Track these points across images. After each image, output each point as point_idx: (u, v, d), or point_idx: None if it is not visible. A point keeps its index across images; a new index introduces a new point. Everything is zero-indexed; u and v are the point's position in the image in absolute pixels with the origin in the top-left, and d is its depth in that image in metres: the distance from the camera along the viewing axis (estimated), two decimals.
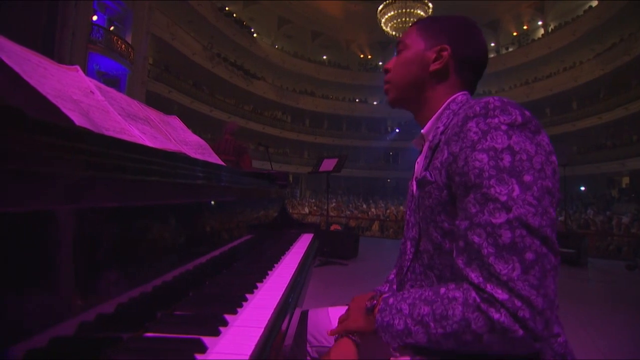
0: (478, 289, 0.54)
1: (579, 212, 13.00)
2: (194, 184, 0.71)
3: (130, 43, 12.35)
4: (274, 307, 0.61)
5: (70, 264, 0.37)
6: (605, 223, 10.11)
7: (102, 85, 0.73)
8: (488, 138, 0.57)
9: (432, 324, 0.57)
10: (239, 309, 0.58)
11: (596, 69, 18.50)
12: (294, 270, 0.90)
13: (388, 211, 13.09)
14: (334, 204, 14.30)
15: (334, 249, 4.69)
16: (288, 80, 25.16)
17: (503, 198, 0.54)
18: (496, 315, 0.51)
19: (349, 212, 13.42)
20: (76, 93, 0.61)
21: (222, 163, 1.09)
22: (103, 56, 11.27)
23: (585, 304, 3.24)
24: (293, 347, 0.87)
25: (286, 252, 1.14)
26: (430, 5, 19.23)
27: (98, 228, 0.42)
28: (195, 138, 1.06)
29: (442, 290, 0.59)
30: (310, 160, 21.41)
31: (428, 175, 0.67)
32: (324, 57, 27.36)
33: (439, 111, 0.74)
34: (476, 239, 0.55)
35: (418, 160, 0.80)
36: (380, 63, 27.94)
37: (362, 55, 28.07)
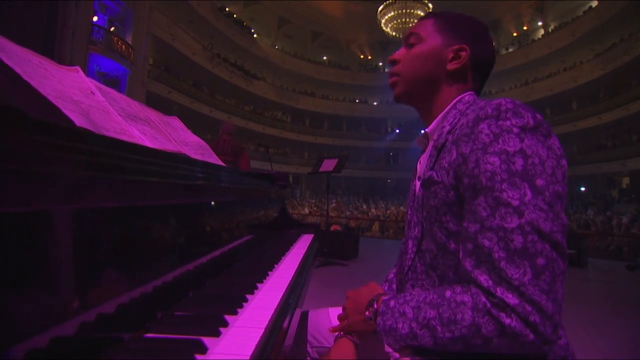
0: (488, 293, 0.53)
1: (579, 213, 13.00)
2: (194, 185, 0.71)
3: (130, 43, 12.36)
4: (274, 307, 0.61)
5: (71, 264, 0.37)
6: (606, 223, 10.11)
7: (103, 86, 0.73)
8: (500, 141, 0.57)
9: (439, 328, 0.57)
10: (239, 310, 0.58)
11: (596, 69, 18.50)
12: (294, 270, 0.90)
13: (388, 212, 13.09)
14: (334, 205, 14.29)
15: (334, 249, 4.68)
16: (288, 80, 25.16)
17: (515, 203, 0.53)
18: (507, 321, 0.51)
19: (349, 213, 13.42)
20: (77, 94, 0.61)
21: (222, 164, 1.09)
22: (103, 57, 11.28)
23: (586, 304, 3.24)
24: (293, 347, 0.87)
25: (286, 253, 1.14)
26: (430, 5, 19.26)
27: (98, 228, 0.42)
28: (195, 139, 1.06)
29: (448, 293, 0.58)
30: (311, 161, 21.40)
31: (434, 175, 0.66)
32: (324, 58, 27.36)
33: (446, 110, 0.73)
34: (487, 243, 0.54)
35: (421, 159, 0.79)
36: (380, 63, 27.96)
37: (362, 56, 28.07)
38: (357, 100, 27.57)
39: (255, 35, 22.60)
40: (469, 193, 0.59)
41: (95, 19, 11.51)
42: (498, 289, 0.52)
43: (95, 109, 0.62)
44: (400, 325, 0.61)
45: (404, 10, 19.67)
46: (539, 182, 0.54)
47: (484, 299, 0.54)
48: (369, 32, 25.27)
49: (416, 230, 0.73)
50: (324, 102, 26.30)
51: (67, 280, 0.36)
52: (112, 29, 12.60)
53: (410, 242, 0.74)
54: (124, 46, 11.99)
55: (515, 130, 0.57)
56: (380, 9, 20.39)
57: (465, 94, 0.74)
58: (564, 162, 0.58)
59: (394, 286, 0.88)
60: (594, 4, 18.84)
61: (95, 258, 0.41)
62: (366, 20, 23.51)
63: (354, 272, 4.19)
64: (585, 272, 5.00)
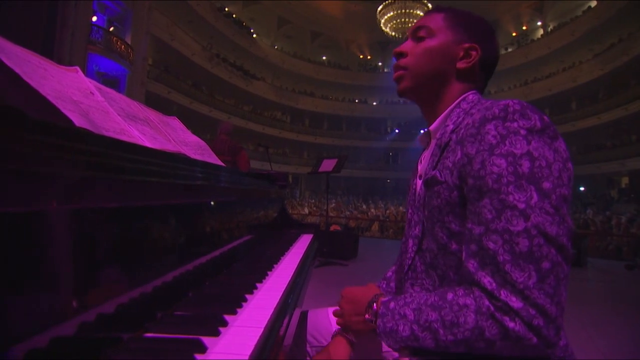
0: (491, 296, 0.53)
1: (578, 212, 13.01)
2: (194, 185, 0.71)
3: (129, 43, 12.34)
4: (274, 307, 0.61)
5: (71, 264, 0.37)
6: (605, 223, 10.11)
7: (102, 86, 0.73)
8: (507, 143, 0.56)
9: (441, 331, 0.56)
10: (238, 310, 0.58)
11: (595, 69, 18.53)
12: (293, 270, 0.90)
13: (388, 211, 13.09)
14: (333, 205, 14.30)
15: (334, 249, 4.68)
16: (288, 80, 25.16)
17: (521, 205, 0.53)
18: (511, 324, 0.51)
19: (348, 213, 13.42)
20: (76, 94, 0.61)
21: (222, 164, 1.09)
22: (102, 57, 11.27)
23: (585, 304, 3.24)
24: (293, 347, 0.87)
25: (286, 253, 1.15)
26: (430, 5, 19.26)
27: (98, 228, 0.42)
28: (194, 139, 1.06)
29: (450, 295, 0.58)
30: (310, 161, 21.40)
31: (438, 174, 0.65)
32: (324, 58, 27.37)
33: (449, 109, 0.72)
34: (491, 245, 0.54)
35: (422, 157, 0.78)
36: (380, 63, 27.98)
37: (361, 56, 28.08)
38: (356, 100, 27.58)
39: (254, 35, 22.61)
40: (473, 194, 0.58)
41: (94, 19, 11.51)
42: (502, 292, 0.52)
43: (94, 109, 0.62)
44: (401, 328, 0.61)
45: (403, 10, 19.69)
46: (546, 185, 0.54)
47: (487, 302, 0.53)
48: (368, 32, 25.27)
49: (417, 229, 0.72)
50: (323, 102, 26.31)
51: (67, 280, 0.36)
52: (111, 29, 12.59)
53: (410, 241, 0.74)
54: (123, 46, 11.98)
55: (522, 132, 0.56)
56: (379, 9, 20.40)
57: (469, 92, 0.73)
58: (570, 165, 0.57)
59: (392, 284, 0.88)
60: (593, 4, 18.87)
61: (95, 258, 0.41)
62: (366, 20, 23.52)
63: (353, 272, 4.19)
64: (585, 272, 5.00)
